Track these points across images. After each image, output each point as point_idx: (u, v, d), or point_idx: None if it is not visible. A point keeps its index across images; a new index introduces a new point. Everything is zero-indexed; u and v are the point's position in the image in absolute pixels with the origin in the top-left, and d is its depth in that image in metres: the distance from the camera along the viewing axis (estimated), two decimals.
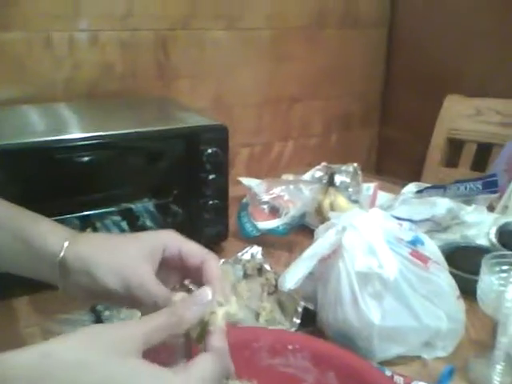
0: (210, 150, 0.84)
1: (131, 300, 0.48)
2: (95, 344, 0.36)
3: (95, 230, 0.80)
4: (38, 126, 0.88)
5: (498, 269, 0.60)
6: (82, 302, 0.52)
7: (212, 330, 0.42)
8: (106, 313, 0.68)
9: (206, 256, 0.49)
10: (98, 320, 0.67)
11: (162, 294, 0.47)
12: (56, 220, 0.53)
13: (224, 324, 0.43)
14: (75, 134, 0.79)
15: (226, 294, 0.45)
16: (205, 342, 0.42)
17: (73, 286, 0.49)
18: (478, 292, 0.60)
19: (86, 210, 0.80)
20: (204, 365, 0.40)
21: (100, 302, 0.52)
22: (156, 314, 0.41)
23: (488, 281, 0.59)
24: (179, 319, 0.41)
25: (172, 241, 0.50)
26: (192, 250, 0.49)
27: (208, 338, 0.42)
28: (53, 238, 0.50)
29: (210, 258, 0.49)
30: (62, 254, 0.48)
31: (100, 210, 0.81)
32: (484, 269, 0.60)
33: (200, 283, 0.47)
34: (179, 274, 0.52)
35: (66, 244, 0.49)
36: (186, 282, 0.54)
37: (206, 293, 0.43)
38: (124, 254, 0.49)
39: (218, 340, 0.42)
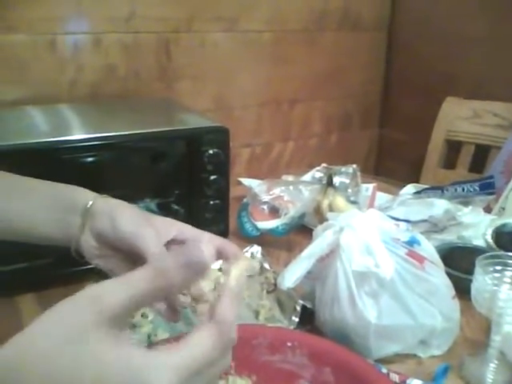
0: (211, 151, 0.85)
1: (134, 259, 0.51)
2: (70, 324, 0.33)
3: None
4: (41, 127, 0.89)
5: (491, 269, 0.62)
6: (89, 257, 0.54)
7: (221, 293, 0.36)
8: None
9: (226, 248, 0.52)
10: None
11: (161, 256, 0.48)
12: None
13: (237, 285, 0.37)
14: (78, 135, 0.80)
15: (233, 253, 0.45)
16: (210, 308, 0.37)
17: (87, 236, 0.53)
18: (472, 291, 0.61)
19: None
20: (200, 342, 0.35)
21: (103, 263, 0.53)
22: (138, 280, 0.35)
23: (482, 281, 0.60)
24: (163, 279, 0.35)
25: (187, 228, 0.54)
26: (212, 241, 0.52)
27: (216, 303, 0.36)
28: (81, 190, 0.55)
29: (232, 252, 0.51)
30: (91, 202, 0.53)
31: None
32: (478, 269, 0.61)
33: None
34: None
35: (94, 196, 0.54)
36: None
37: (198, 246, 0.36)
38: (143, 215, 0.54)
39: (224, 308, 0.36)
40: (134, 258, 0.52)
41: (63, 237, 0.54)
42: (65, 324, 0.33)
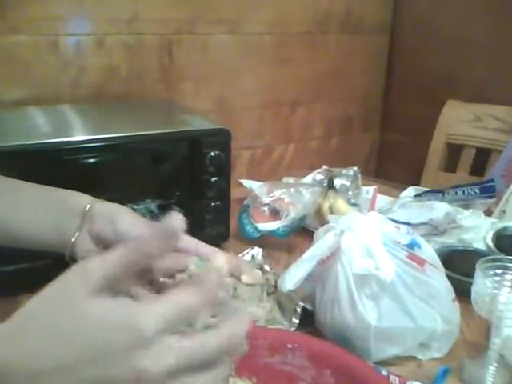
0: (212, 153, 0.85)
1: None
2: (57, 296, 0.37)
3: None
4: (44, 128, 0.89)
5: (491, 272, 0.62)
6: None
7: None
8: None
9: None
10: None
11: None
12: None
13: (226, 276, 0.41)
14: (80, 136, 0.80)
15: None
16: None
17: (84, 239, 0.52)
18: (473, 295, 0.61)
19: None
20: (186, 292, 0.37)
21: None
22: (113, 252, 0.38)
23: (482, 284, 0.60)
24: (139, 246, 0.38)
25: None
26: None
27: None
28: (78, 194, 0.55)
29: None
30: (89, 205, 0.53)
31: None
32: (478, 272, 0.61)
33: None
34: None
35: (92, 200, 0.54)
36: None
37: (172, 223, 0.40)
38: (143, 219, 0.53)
39: (211, 276, 0.39)
40: None
41: (58, 242, 0.53)
42: (60, 295, 0.37)
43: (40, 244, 0.54)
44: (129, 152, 0.84)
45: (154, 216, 0.88)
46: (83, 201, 0.54)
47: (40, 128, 0.89)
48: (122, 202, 0.84)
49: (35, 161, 0.75)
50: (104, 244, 0.52)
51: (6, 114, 0.94)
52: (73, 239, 0.52)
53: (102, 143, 0.80)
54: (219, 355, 0.37)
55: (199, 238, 0.64)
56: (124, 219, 0.52)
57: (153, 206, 0.88)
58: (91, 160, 0.80)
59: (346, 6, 1.45)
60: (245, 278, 0.42)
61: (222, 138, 0.87)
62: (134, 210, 0.86)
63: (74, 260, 0.54)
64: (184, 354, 0.35)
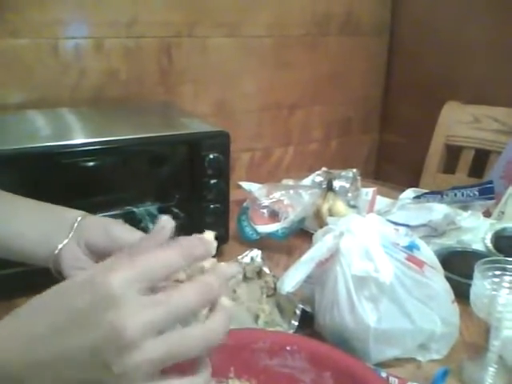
0: (211, 156, 0.86)
1: None
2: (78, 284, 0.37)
3: None
4: (43, 131, 0.90)
5: (490, 274, 0.62)
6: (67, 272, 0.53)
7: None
8: None
9: None
10: None
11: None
12: None
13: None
14: (80, 140, 0.80)
15: None
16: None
17: (72, 248, 0.53)
18: (471, 296, 0.62)
19: (90, 214, 0.82)
20: (159, 252, 0.36)
21: None
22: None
23: (481, 285, 0.60)
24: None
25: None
26: None
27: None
28: (72, 210, 0.56)
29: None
30: (80, 217, 0.53)
31: (104, 214, 0.83)
32: (477, 274, 0.61)
33: None
34: None
35: (84, 214, 0.54)
36: None
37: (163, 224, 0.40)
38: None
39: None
40: None
41: (47, 255, 0.53)
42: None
43: (30, 257, 0.55)
44: (128, 155, 0.84)
45: (153, 218, 0.88)
46: (74, 215, 0.54)
47: (40, 131, 0.89)
48: (122, 204, 0.86)
49: (35, 164, 0.75)
50: (94, 250, 0.53)
51: (6, 118, 0.94)
52: (56, 251, 0.53)
53: (102, 146, 0.80)
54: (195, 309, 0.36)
55: None
56: (117, 227, 0.52)
57: (152, 209, 0.88)
58: (91, 163, 0.80)
59: (345, 8, 1.46)
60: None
61: (221, 141, 0.87)
62: (134, 212, 0.87)
63: (60, 273, 0.54)
64: (166, 308, 0.34)
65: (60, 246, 0.53)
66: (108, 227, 0.52)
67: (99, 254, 0.52)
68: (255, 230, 0.94)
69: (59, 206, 0.57)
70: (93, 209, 0.81)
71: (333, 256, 0.66)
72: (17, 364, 0.35)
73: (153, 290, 0.35)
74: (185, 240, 0.38)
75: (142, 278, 0.34)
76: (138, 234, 0.51)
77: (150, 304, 0.33)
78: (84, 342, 0.33)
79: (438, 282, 0.66)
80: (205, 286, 0.36)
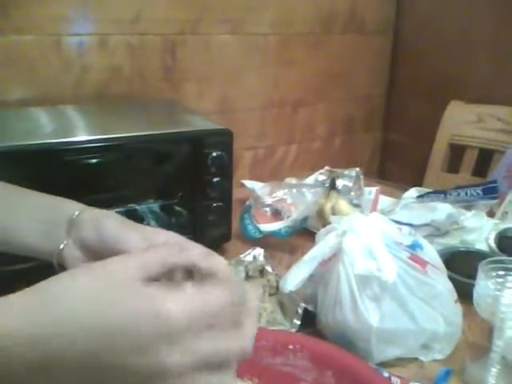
0: (214, 154, 0.85)
1: None
2: (97, 284, 0.36)
3: None
4: (46, 128, 0.90)
5: (494, 274, 0.62)
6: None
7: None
8: None
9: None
10: None
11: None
12: None
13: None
14: (83, 137, 0.80)
15: None
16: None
17: (72, 247, 0.52)
18: (475, 296, 0.61)
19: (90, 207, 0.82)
20: (211, 289, 0.37)
21: None
22: (148, 251, 0.40)
23: (484, 285, 0.60)
24: (179, 249, 0.40)
25: (173, 237, 0.51)
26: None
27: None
28: (69, 202, 0.55)
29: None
30: (77, 213, 0.52)
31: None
32: (480, 274, 0.61)
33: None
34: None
35: (81, 207, 0.53)
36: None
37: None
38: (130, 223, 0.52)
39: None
40: None
41: (50, 249, 0.52)
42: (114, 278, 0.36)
43: (32, 251, 0.54)
44: (131, 152, 0.84)
45: (156, 216, 0.88)
46: (74, 208, 0.53)
47: (43, 128, 0.89)
48: (125, 202, 0.86)
49: (38, 161, 0.75)
50: (89, 250, 0.52)
51: (9, 114, 0.94)
52: (61, 246, 0.52)
53: (105, 143, 0.80)
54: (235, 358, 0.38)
55: (201, 239, 0.63)
56: (108, 225, 0.50)
57: (155, 207, 0.88)
58: (94, 160, 0.80)
59: (349, 6, 1.45)
60: None
61: (224, 139, 0.87)
62: (136, 210, 0.87)
63: (63, 268, 0.53)
64: (205, 353, 0.35)
65: (62, 246, 0.52)
66: (98, 225, 0.51)
67: (93, 254, 0.51)
68: (258, 229, 0.94)
69: (61, 199, 0.56)
70: (95, 206, 0.81)
71: (335, 255, 0.66)
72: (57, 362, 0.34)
73: None
74: (235, 285, 0.39)
75: (197, 323, 0.35)
76: (130, 231, 0.50)
77: (198, 347, 0.35)
78: (131, 368, 0.34)
79: (441, 282, 0.66)
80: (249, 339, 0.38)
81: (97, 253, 0.51)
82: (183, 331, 0.34)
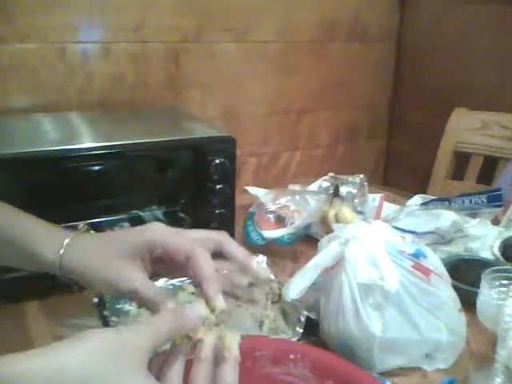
0: (217, 161, 0.86)
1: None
2: (106, 356, 0.37)
3: None
4: (50, 135, 0.90)
5: (497, 283, 0.61)
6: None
7: (227, 357, 0.43)
8: (113, 318, 0.70)
9: (191, 253, 0.48)
10: (106, 325, 0.69)
11: (150, 291, 0.49)
12: (67, 226, 0.55)
13: (238, 352, 0.44)
14: (87, 144, 0.81)
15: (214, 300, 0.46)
16: (218, 371, 0.43)
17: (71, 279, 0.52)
18: (478, 305, 0.61)
19: (97, 217, 0.82)
20: None
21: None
22: (157, 320, 0.43)
23: (487, 295, 0.60)
24: (180, 324, 0.43)
25: (159, 236, 0.51)
26: (178, 247, 0.50)
27: (222, 367, 0.43)
28: (47, 250, 0.51)
29: (196, 254, 0.48)
30: (57, 264, 0.50)
31: (110, 217, 0.83)
32: (484, 283, 0.61)
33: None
34: (179, 267, 0.52)
35: (57, 258, 0.51)
36: (187, 281, 0.55)
37: (197, 310, 0.45)
38: (110, 259, 0.50)
39: (230, 373, 0.43)
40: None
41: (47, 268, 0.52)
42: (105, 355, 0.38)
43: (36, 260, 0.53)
44: (134, 159, 0.84)
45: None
46: (54, 254, 0.51)
47: (46, 135, 0.90)
48: (128, 208, 0.86)
49: (42, 168, 0.76)
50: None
51: (13, 121, 0.94)
52: (61, 251, 0.51)
53: (108, 151, 0.81)
54: None
55: None
56: (92, 281, 0.50)
57: (158, 213, 0.88)
58: (97, 167, 0.80)
59: (352, 14, 1.45)
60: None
61: (227, 146, 0.87)
62: (140, 216, 0.87)
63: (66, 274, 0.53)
64: None
65: (61, 251, 0.51)
66: (84, 280, 0.51)
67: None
68: (261, 236, 0.94)
69: (50, 226, 0.54)
70: (99, 213, 0.82)
71: (338, 263, 0.65)
72: None
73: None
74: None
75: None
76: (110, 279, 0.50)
77: None
78: None
79: (444, 291, 0.66)
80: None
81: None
82: None
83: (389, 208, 1.11)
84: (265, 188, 1.09)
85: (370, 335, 0.62)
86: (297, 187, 1.12)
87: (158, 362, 0.43)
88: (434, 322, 0.64)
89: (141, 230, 0.52)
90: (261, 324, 0.71)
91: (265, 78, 1.35)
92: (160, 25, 1.15)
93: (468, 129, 1.39)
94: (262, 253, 0.86)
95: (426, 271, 0.65)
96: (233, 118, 1.32)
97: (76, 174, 0.78)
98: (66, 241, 0.51)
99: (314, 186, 1.13)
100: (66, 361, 0.36)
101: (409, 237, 0.70)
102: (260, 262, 0.83)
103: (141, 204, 0.87)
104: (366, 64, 1.54)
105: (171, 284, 0.76)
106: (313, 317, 0.69)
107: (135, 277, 0.49)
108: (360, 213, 1.05)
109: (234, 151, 0.87)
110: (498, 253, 0.89)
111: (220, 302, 0.46)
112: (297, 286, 0.67)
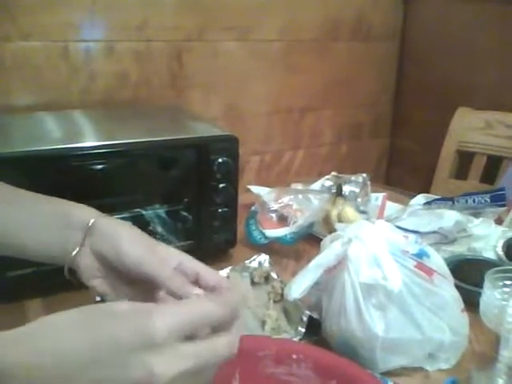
0: (220, 160, 0.86)
1: (137, 285, 0.52)
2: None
3: None
4: (53, 134, 0.90)
5: (501, 283, 0.61)
6: (85, 277, 0.53)
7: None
8: None
9: (222, 283, 0.49)
10: None
11: (172, 276, 0.49)
12: None
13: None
14: (90, 142, 0.80)
15: None
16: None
17: (87, 255, 0.52)
18: (481, 306, 0.61)
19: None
20: (200, 304, 0.41)
21: (104, 290, 0.54)
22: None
23: (491, 295, 0.60)
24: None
25: (187, 260, 0.52)
26: (209, 275, 0.50)
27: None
28: (82, 207, 0.55)
29: (226, 286, 0.49)
30: (93, 220, 0.52)
31: (113, 216, 0.83)
32: (487, 283, 0.61)
33: None
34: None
35: (96, 214, 0.53)
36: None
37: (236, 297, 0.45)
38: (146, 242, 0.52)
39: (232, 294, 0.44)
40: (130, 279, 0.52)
41: (62, 255, 0.53)
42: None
43: (44, 257, 0.54)
44: (137, 158, 0.84)
45: (161, 221, 0.88)
46: (87, 215, 0.53)
47: (50, 134, 0.90)
48: (131, 207, 0.86)
49: (45, 166, 0.76)
50: (104, 261, 0.52)
51: (16, 120, 0.94)
52: (74, 253, 0.52)
53: (112, 149, 0.80)
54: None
55: (206, 244, 0.61)
56: (123, 240, 0.51)
57: (161, 212, 0.89)
58: (100, 166, 0.80)
59: (356, 13, 1.45)
60: None
61: (229, 145, 0.87)
62: (143, 215, 0.87)
63: (73, 276, 0.54)
64: (196, 360, 0.37)
65: (74, 253, 0.52)
66: (114, 239, 0.51)
67: (110, 266, 0.52)
68: (263, 234, 0.94)
69: (72, 203, 0.55)
70: (101, 211, 0.82)
71: (341, 263, 0.65)
72: (41, 373, 0.35)
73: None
74: (226, 295, 0.44)
75: (183, 328, 0.38)
76: (143, 246, 0.51)
77: (183, 356, 0.37)
78: (119, 379, 0.36)
79: (447, 291, 0.66)
80: (233, 341, 0.41)
81: (112, 264, 0.51)
82: (165, 342, 0.36)
83: (392, 207, 1.11)
84: (267, 187, 1.09)
85: (373, 335, 0.62)
86: (299, 186, 1.12)
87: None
88: (436, 322, 0.64)
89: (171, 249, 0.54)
90: (263, 323, 0.71)
91: (268, 76, 1.35)
92: (163, 23, 1.15)
93: (472, 128, 1.38)
94: (265, 252, 0.86)
95: (429, 271, 0.65)
96: (235, 116, 1.32)
97: (79, 172, 0.78)
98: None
99: (316, 185, 1.13)
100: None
101: (412, 236, 0.70)
102: (263, 260, 0.83)
103: (144, 203, 0.88)
104: (370, 63, 1.54)
105: None
106: (315, 316, 0.69)
107: (163, 261, 0.51)
108: (363, 212, 1.05)
109: (236, 150, 0.87)
110: (501, 252, 0.89)
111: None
112: (299, 286, 0.67)
